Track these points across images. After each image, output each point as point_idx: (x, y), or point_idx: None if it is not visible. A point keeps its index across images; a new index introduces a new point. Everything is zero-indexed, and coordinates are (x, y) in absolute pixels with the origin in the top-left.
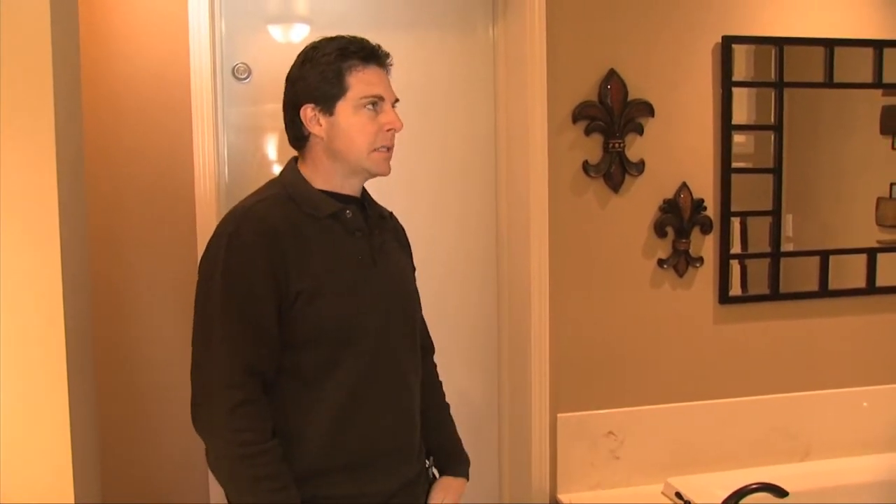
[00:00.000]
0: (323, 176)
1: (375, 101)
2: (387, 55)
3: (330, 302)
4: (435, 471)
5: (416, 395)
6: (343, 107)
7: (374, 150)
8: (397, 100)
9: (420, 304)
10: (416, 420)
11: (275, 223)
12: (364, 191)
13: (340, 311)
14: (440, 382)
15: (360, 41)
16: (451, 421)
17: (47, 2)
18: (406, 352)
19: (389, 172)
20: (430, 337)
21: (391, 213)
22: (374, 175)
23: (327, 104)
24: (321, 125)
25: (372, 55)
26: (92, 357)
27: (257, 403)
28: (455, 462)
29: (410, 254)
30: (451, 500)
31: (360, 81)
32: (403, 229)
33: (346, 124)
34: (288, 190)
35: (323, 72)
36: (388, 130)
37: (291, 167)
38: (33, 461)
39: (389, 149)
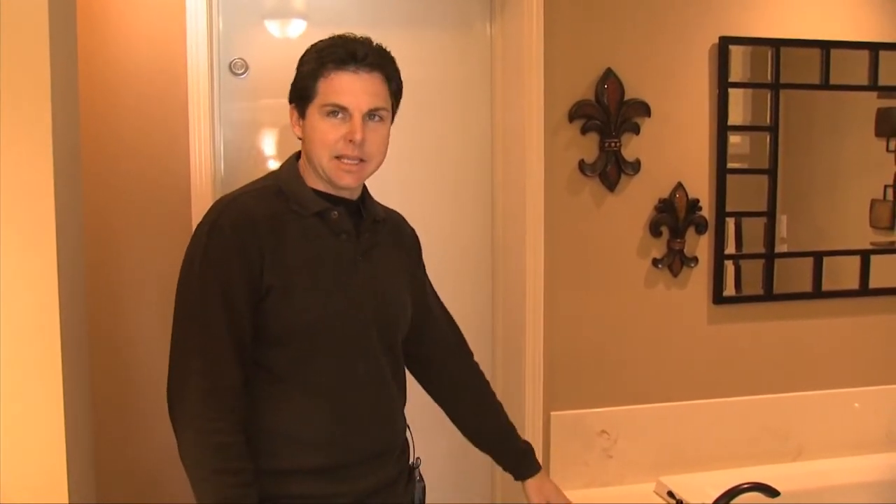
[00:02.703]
0: (311, 176)
1: (337, 111)
2: (365, 57)
3: (301, 300)
4: (421, 472)
5: (397, 399)
6: (311, 111)
7: (333, 157)
8: (376, 108)
9: (425, 307)
10: (395, 424)
11: (255, 216)
12: (364, 192)
13: (311, 310)
14: (487, 382)
15: (342, 43)
16: (508, 421)
17: None
18: (386, 356)
19: (353, 184)
20: (464, 340)
21: (400, 218)
22: (336, 186)
23: (302, 107)
24: (299, 127)
25: (348, 59)
26: (87, 353)
27: (228, 393)
28: (531, 459)
29: (415, 259)
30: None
31: (327, 88)
32: (413, 235)
33: (311, 129)
34: (279, 184)
35: (303, 74)
36: (350, 141)
37: (291, 162)
38: (27, 460)
39: (358, 160)
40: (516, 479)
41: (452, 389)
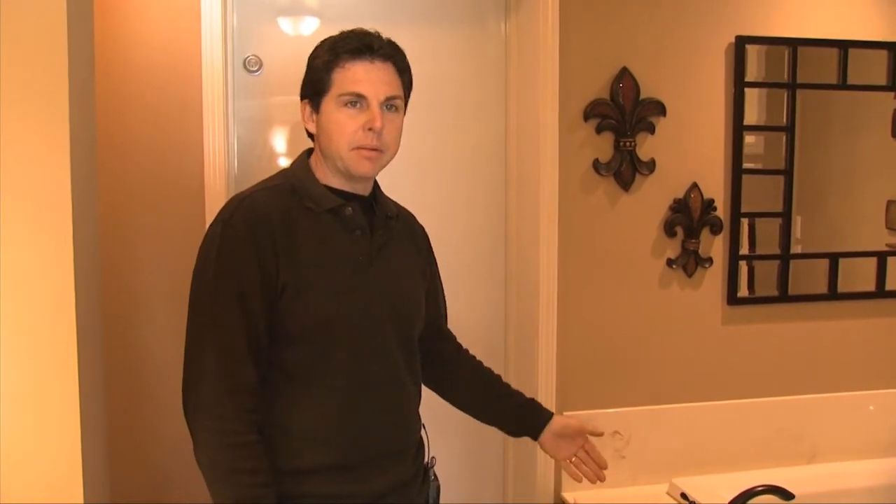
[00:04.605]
0: (324, 172)
1: (355, 100)
2: (380, 48)
3: (316, 298)
4: (436, 471)
5: (413, 396)
6: (327, 103)
7: (353, 148)
8: (392, 97)
9: (437, 301)
10: (411, 423)
11: (268, 213)
12: (376, 189)
13: (326, 308)
14: (478, 360)
15: (356, 35)
16: (507, 385)
17: None
18: (402, 354)
19: (371, 173)
20: (447, 329)
21: (410, 215)
22: (355, 176)
23: (316, 101)
24: (313, 122)
25: (364, 49)
26: (102, 350)
27: (243, 393)
28: (539, 409)
29: (427, 257)
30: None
31: (343, 78)
32: (423, 231)
33: (328, 122)
34: (292, 181)
35: (316, 67)
36: (369, 130)
37: (302, 159)
38: (43, 458)
39: (375, 149)
40: (535, 436)
41: (445, 368)
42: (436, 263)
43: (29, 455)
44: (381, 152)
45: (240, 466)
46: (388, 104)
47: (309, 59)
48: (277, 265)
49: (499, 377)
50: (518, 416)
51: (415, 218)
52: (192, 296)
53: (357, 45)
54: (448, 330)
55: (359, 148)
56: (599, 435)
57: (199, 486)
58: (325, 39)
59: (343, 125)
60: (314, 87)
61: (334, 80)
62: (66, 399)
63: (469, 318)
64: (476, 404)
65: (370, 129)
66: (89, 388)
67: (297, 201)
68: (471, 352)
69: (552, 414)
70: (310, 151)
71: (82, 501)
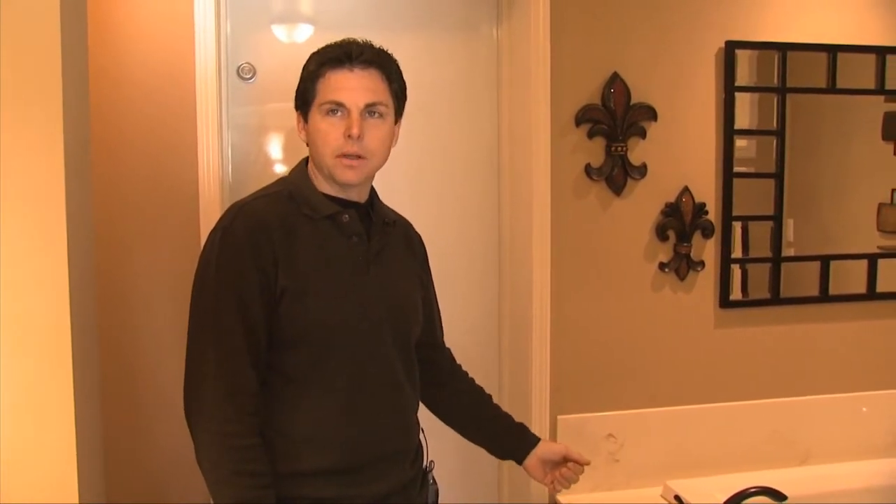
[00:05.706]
0: (320, 180)
1: (335, 108)
2: (359, 56)
3: (314, 303)
4: (434, 476)
5: (411, 400)
6: (313, 113)
7: (336, 156)
8: (374, 103)
9: (432, 309)
10: (410, 425)
11: (267, 220)
12: (373, 196)
13: (324, 313)
14: (471, 377)
15: (338, 45)
16: (497, 407)
17: (57, 0)
18: (399, 357)
19: (355, 181)
20: (442, 340)
21: (408, 223)
22: (341, 184)
23: (304, 111)
24: (304, 132)
25: (343, 58)
26: (97, 356)
27: (244, 396)
28: (527, 433)
29: (423, 265)
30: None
31: (325, 87)
32: (420, 240)
33: (314, 131)
34: (290, 188)
35: (303, 79)
36: (348, 136)
37: (300, 167)
38: (39, 461)
39: (358, 156)
40: (519, 460)
41: (440, 380)
42: (431, 275)
43: (25, 456)
44: (364, 159)
45: (241, 469)
46: (370, 111)
47: (301, 70)
48: (276, 270)
49: (490, 397)
50: (507, 439)
51: (412, 227)
52: (193, 301)
53: (337, 54)
54: (444, 342)
55: (341, 156)
56: (586, 463)
57: (196, 489)
58: (315, 50)
59: (326, 133)
60: (303, 98)
61: (318, 90)
62: (61, 402)
63: (463, 322)
64: (468, 422)
65: (349, 136)
66: (84, 392)
67: (295, 208)
68: (465, 354)
69: (539, 439)
70: (308, 159)
71: (77, 502)
